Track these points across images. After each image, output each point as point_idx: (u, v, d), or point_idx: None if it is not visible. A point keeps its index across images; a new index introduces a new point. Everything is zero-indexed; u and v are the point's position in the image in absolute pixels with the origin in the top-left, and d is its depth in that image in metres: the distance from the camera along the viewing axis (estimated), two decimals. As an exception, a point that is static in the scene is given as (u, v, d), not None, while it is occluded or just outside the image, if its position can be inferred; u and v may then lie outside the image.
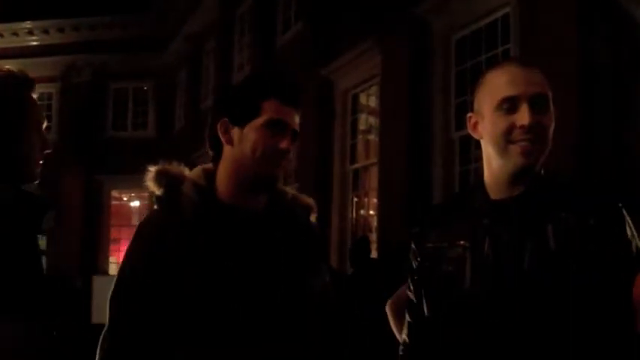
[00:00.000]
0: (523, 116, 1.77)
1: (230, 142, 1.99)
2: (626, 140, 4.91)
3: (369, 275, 6.72)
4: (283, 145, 1.93)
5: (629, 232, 1.78)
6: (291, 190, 2.16)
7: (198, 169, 2.06)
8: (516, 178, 1.83)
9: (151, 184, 2.02)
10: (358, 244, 7.47)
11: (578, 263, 1.72)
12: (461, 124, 7.52)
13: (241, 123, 1.96)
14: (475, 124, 1.91)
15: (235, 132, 1.97)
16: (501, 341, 1.74)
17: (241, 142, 1.96)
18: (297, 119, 2.00)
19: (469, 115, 1.94)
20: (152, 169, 2.03)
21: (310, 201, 2.16)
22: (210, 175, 2.03)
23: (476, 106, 1.92)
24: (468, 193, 2.00)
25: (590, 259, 1.71)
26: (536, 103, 1.79)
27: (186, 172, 2.05)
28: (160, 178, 2.01)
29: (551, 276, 1.71)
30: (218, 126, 2.00)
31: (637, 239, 1.77)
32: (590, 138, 5.03)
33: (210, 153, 2.07)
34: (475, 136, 1.93)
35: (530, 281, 1.72)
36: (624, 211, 1.81)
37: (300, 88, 2.09)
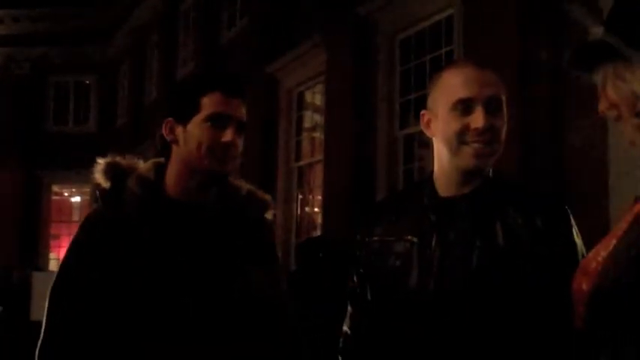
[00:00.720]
0: (478, 119, 1.78)
1: (175, 141, 1.97)
2: (565, 140, 5.01)
3: (315, 272, 6.72)
4: (226, 138, 1.91)
5: (574, 234, 1.81)
6: (247, 185, 2.13)
7: (149, 163, 2.04)
8: (467, 177, 1.85)
9: (99, 176, 1.99)
10: (308, 241, 7.47)
11: (525, 263, 1.74)
12: (405, 122, 7.59)
13: (184, 120, 1.94)
14: (428, 122, 1.92)
15: (179, 130, 1.96)
16: (445, 338, 1.76)
17: (186, 140, 1.94)
18: (242, 110, 1.97)
19: (423, 112, 1.94)
20: (101, 161, 2.00)
21: (267, 197, 2.14)
22: (161, 169, 2.01)
23: (430, 104, 1.92)
24: (416, 189, 2.01)
25: (537, 259, 1.73)
26: (491, 106, 1.81)
27: (140, 165, 2.03)
28: (108, 171, 1.98)
29: (499, 275, 1.73)
30: (163, 126, 1.98)
31: (581, 240, 1.80)
32: (528, 138, 5.12)
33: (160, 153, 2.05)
34: (428, 133, 1.94)
35: (477, 279, 1.74)
36: (570, 213, 1.85)
37: (243, 81, 2.07)
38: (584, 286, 1.43)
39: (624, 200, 1.41)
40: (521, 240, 1.77)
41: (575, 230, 1.82)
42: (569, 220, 1.83)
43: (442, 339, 1.76)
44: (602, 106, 1.46)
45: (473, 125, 1.78)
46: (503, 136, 1.84)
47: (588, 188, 4.77)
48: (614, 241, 1.44)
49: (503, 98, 1.85)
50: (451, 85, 1.84)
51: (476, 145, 1.79)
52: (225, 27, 12.33)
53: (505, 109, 1.85)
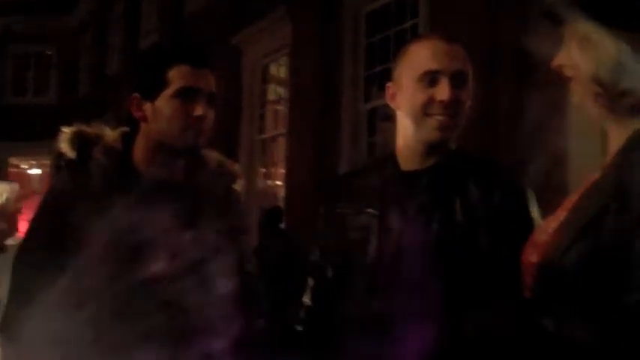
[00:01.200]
0: (443, 91, 1.80)
1: (144, 118, 1.92)
2: (527, 116, 5.06)
3: (278, 245, 6.75)
4: (198, 112, 1.87)
5: (533, 210, 1.84)
6: (216, 155, 2.10)
7: (116, 132, 1.99)
8: (429, 150, 1.86)
9: (64, 145, 1.94)
10: (271, 213, 7.48)
11: (481, 238, 1.76)
12: (369, 96, 7.59)
13: (152, 97, 1.89)
14: (393, 95, 1.93)
15: (148, 107, 1.91)
16: (403, 310, 1.78)
17: (155, 117, 1.90)
18: (211, 81, 1.93)
19: (388, 84, 1.95)
20: (67, 130, 1.95)
21: (236, 167, 2.12)
22: (128, 139, 1.96)
23: (396, 76, 1.92)
24: (379, 163, 2.02)
25: (493, 235, 1.76)
26: (457, 79, 1.82)
27: (107, 134, 1.98)
28: (74, 139, 1.94)
29: (455, 249, 1.75)
30: (130, 103, 1.93)
31: (540, 216, 1.82)
32: (493, 114, 5.16)
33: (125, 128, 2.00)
34: (392, 105, 1.94)
35: (434, 253, 1.76)
36: (528, 189, 1.87)
37: (207, 52, 2.03)
38: (533, 258, 1.46)
39: (583, 175, 1.43)
40: (479, 215, 1.79)
41: (534, 206, 1.84)
42: (528, 196, 1.85)
43: (399, 311, 1.78)
44: (560, 59, 1.47)
45: (438, 97, 1.80)
46: (466, 110, 1.85)
47: (548, 164, 4.84)
48: (564, 214, 1.45)
49: (470, 73, 1.86)
50: (418, 58, 1.85)
51: (440, 117, 1.81)
52: (189, -3, 12.17)
53: (470, 85, 1.86)
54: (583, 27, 1.42)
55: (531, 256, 1.47)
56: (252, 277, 2.07)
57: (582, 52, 1.43)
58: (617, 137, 1.43)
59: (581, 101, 1.46)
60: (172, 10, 12.53)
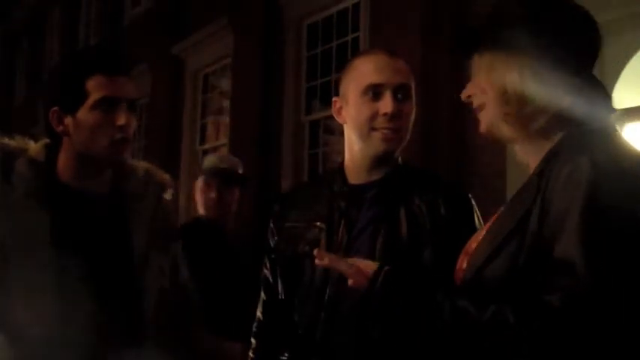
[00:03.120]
0: (386, 104, 1.83)
1: (66, 132, 1.87)
2: (465, 128, 5.16)
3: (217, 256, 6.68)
4: (120, 121, 1.83)
5: (477, 222, 1.88)
6: (144, 164, 2.07)
7: (39, 145, 1.94)
8: (376, 163, 1.89)
9: None
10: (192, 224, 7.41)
11: (426, 250, 1.80)
12: (310, 108, 7.62)
13: (72, 110, 1.84)
14: (340, 109, 1.95)
15: (69, 121, 1.85)
16: (348, 324, 1.80)
17: (78, 130, 1.85)
18: (130, 87, 1.89)
19: (334, 99, 1.97)
20: None
21: (165, 177, 2.08)
22: (52, 151, 1.92)
23: (341, 91, 1.95)
24: (328, 176, 2.04)
25: (438, 246, 1.79)
26: (400, 92, 1.86)
27: (31, 146, 1.94)
28: None
29: (401, 261, 1.76)
30: (50, 117, 1.87)
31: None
32: (430, 127, 5.24)
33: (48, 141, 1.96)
34: (339, 120, 1.97)
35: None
36: (472, 200, 1.91)
37: (124, 58, 1.99)
38: (464, 265, 1.50)
39: (519, 184, 1.48)
40: (424, 228, 1.82)
41: (477, 217, 1.88)
42: (472, 207, 1.90)
43: (345, 325, 1.79)
44: (468, 91, 1.53)
45: (382, 110, 1.83)
46: (410, 122, 1.89)
47: (487, 173, 4.94)
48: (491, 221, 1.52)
49: (412, 86, 1.90)
50: (363, 72, 1.88)
51: (385, 130, 1.84)
52: (129, 6, 12.02)
53: (413, 98, 1.90)
54: (487, 57, 1.48)
55: (462, 263, 1.52)
56: (186, 287, 2.05)
57: (489, 78, 1.48)
58: (535, 153, 1.48)
59: (491, 127, 1.51)
60: (112, 18, 12.37)
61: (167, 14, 10.19)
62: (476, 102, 1.53)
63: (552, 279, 1.26)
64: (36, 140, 1.98)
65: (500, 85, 1.45)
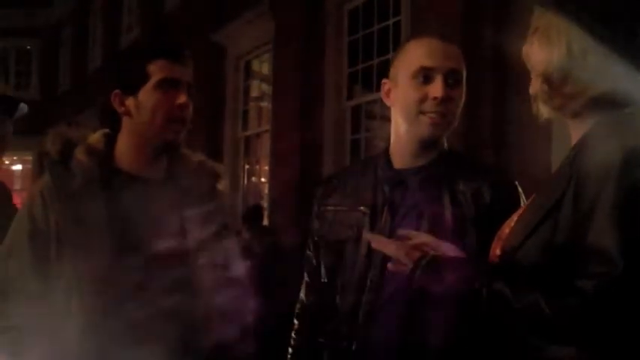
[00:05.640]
0: (437, 88, 1.81)
1: (128, 113, 1.94)
2: (508, 113, 5.09)
3: (261, 242, 6.75)
4: (180, 100, 1.91)
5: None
6: (199, 155, 2.12)
7: (98, 134, 2.01)
8: (421, 148, 1.88)
9: (48, 146, 1.95)
10: (252, 210, 7.48)
11: (469, 237, 1.78)
12: (352, 94, 7.61)
13: (134, 91, 1.91)
14: (388, 91, 1.94)
15: (131, 102, 1.93)
16: (389, 309, 1.79)
17: (139, 110, 1.92)
18: (189, 73, 1.96)
19: (384, 81, 1.97)
20: (51, 131, 1.97)
21: (218, 168, 2.14)
22: (111, 140, 1.98)
23: (392, 73, 1.94)
24: (374, 160, 2.03)
25: (482, 235, 1.76)
26: (451, 78, 1.84)
27: (91, 135, 1.99)
28: (57, 141, 1.94)
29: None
30: (112, 99, 1.95)
31: None
32: (472, 111, 5.19)
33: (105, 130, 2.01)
34: (387, 102, 1.96)
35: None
36: (518, 188, 1.89)
37: (188, 48, 2.06)
38: (497, 251, 1.49)
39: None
40: (468, 215, 1.81)
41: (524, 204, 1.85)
42: (518, 195, 1.87)
43: (385, 308, 1.79)
44: (525, 50, 1.50)
45: (432, 94, 1.81)
46: (459, 109, 1.87)
47: (532, 160, 4.87)
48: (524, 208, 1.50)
49: (463, 73, 1.88)
50: (414, 55, 1.87)
51: (433, 114, 1.83)
52: (171, -7, 12.12)
53: (464, 84, 1.88)
54: (545, 20, 1.44)
55: (496, 249, 1.51)
56: (243, 272, 2.06)
57: (538, 49, 1.45)
58: (574, 136, 1.46)
59: (535, 96, 1.49)
60: (153, 5, 12.47)
61: (207, 1, 10.23)
62: (528, 65, 1.50)
63: (586, 265, 1.25)
64: (87, 127, 2.04)
65: (545, 58, 1.42)
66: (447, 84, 1.83)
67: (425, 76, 1.83)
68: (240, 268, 2.06)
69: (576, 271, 1.26)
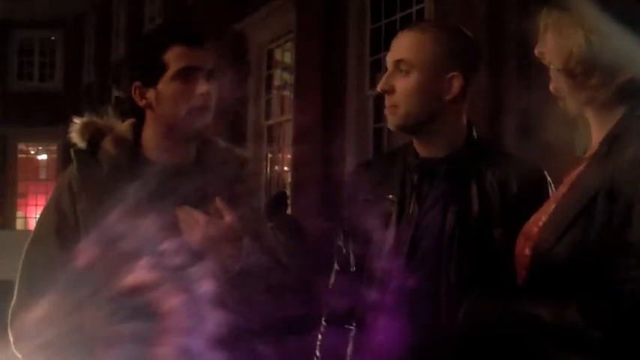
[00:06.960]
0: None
1: (149, 106, 1.90)
2: (529, 106, 5.05)
3: (285, 230, 6.76)
4: (201, 89, 1.85)
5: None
6: (225, 142, 2.08)
7: (126, 124, 1.98)
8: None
9: (75, 135, 1.94)
10: (276, 198, 7.50)
11: (497, 229, 1.77)
12: (375, 82, 7.57)
13: (153, 83, 1.87)
14: None
15: (151, 94, 1.88)
16: (416, 298, 1.79)
17: (160, 102, 1.87)
18: (209, 57, 1.90)
19: None
20: (77, 120, 1.95)
21: (245, 153, 2.11)
22: (137, 130, 1.96)
23: None
24: (402, 149, 2.03)
25: (510, 226, 1.75)
26: (397, 68, 1.86)
27: (118, 125, 1.97)
28: (84, 130, 1.94)
29: (470, 238, 1.76)
30: (132, 92, 1.91)
31: None
32: (496, 103, 5.15)
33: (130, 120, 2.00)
34: None
35: (449, 241, 1.77)
36: (548, 179, 1.86)
37: (211, 37, 2.02)
38: (527, 251, 1.44)
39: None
40: (495, 206, 1.79)
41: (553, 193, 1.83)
42: (547, 184, 1.85)
43: (413, 299, 1.79)
44: (539, 48, 1.46)
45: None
46: (410, 98, 1.85)
47: (556, 148, 4.83)
48: (553, 206, 1.44)
49: (415, 64, 1.84)
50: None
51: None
52: (193, -17, 12.13)
53: (417, 75, 1.84)
54: (553, 17, 1.41)
55: (523, 249, 1.46)
56: (280, 255, 2.04)
57: (553, 45, 1.41)
58: (599, 128, 1.41)
59: (557, 90, 1.44)
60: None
61: (230, -10, 10.23)
62: (545, 60, 1.45)
63: (624, 268, 1.21)
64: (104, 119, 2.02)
65: (564, 51, 1.38)
66: (390, 74, 1.86)
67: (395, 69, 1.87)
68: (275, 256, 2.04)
69: (615, 274, 1.22)
